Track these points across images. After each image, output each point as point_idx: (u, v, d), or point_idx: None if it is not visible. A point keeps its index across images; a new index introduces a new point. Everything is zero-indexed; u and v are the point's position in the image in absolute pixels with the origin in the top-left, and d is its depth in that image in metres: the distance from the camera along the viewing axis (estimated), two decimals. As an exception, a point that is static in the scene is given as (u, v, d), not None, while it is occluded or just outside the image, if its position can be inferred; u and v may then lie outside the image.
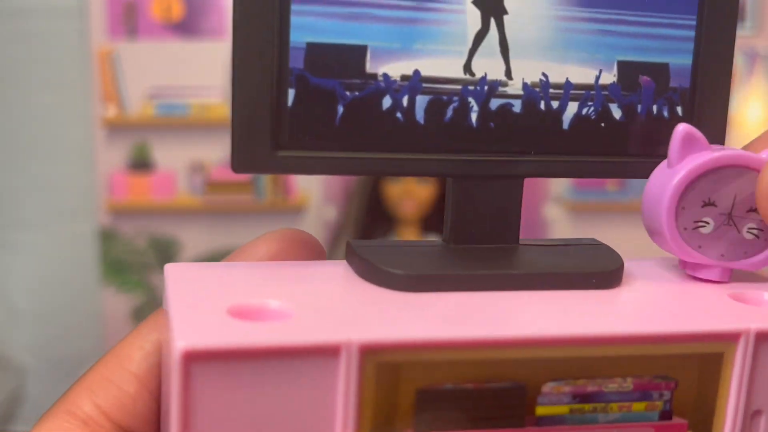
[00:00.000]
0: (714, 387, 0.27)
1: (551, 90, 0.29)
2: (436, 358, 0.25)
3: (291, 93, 0.28)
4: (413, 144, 0.29)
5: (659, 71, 0.30)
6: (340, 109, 0.28)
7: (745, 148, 0.30)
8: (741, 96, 2.52)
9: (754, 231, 0.29)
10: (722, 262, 0.29)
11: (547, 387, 0.26)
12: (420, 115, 0.29)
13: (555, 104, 0.30)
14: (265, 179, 2.42)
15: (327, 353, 0.24)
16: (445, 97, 0.29)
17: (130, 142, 2.24)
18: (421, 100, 0.29)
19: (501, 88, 0.29)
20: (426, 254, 0.30)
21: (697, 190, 0.29)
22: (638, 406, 0.27)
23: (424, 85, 0.28)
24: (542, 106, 0.29)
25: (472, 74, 0.29)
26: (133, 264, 2.19)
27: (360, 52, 0.28)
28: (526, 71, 0.29)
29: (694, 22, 0.30)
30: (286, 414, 0.24)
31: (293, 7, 0.27)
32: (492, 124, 0.29)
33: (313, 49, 0.28)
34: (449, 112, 0.29)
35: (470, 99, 0.29)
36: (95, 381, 0.28)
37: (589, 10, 0.29)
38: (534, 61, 0.29)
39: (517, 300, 0.28)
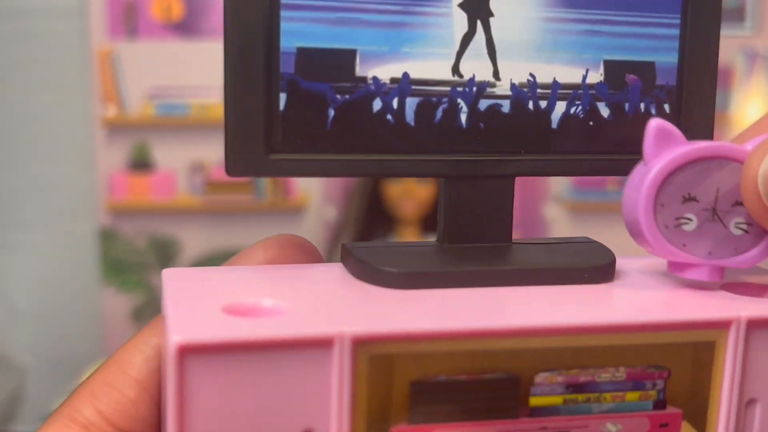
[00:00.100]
0: (707, 376, 0.27)
1: (539, 90, 0.30)
2: (429, 350, 0.25)
3: (282, 97, 0.28)
4: (404, 145, 0.29)
5: (646, 70, 0.31)
6: (331, 113, 0.28)
7: (734, 140, 0.29)
8: (741, 96, 2.52)
9: (743, 226, 0.28)
10: (711, 260, 0.28)
11: (540, 377, 0.26)
12: (410, 116, 0.29)
13: (543, 104, 0.30)
14: (265, 179, 2.42)
15: (320, 345, 0.24)
16: (434, 99, 0.29)
17: (130, 142, 2.23)
18: (411, 102, 0.29)
19: (489, 89, 0.29)
20: (420, 253, 0.30)
21: (675, 185, 0.28)
22: (632, 396, 0.27)
23: (414, 87, 0.29)
24: (530, 106, 0.30)
25: (461, 76, 0.29)
26: (133, 264, 2.19)
27: (349, 56, 0.28)
28: (514, 72, 0.30)
29: (678, 21, 0.31)
30: (280, 407, 0.24)
31: (283, 13, 0.28)
32: (481, 125, 0.30)
33: (303, 53, 0.28)
34: (439, 114, 0.29)
35: (459, 100, 0.29)
36: (96, 386, 0.28)
37: (575, 11, 0.30)
38: (521, 62, 0.30)
39: (510, 294, 0.28)
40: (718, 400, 0.27)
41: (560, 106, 0.30)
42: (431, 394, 0.25)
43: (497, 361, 0.26)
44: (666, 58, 0.31)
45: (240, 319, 0.24)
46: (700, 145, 0.27)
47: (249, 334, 0.23)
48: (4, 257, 2.25)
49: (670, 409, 0.27)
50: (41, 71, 2.18)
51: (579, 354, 0.26)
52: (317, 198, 2.39)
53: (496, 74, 0.29)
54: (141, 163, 2.35)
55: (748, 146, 0.27)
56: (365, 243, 0.31)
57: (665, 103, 0.31)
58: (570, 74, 0.30)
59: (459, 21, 0.29)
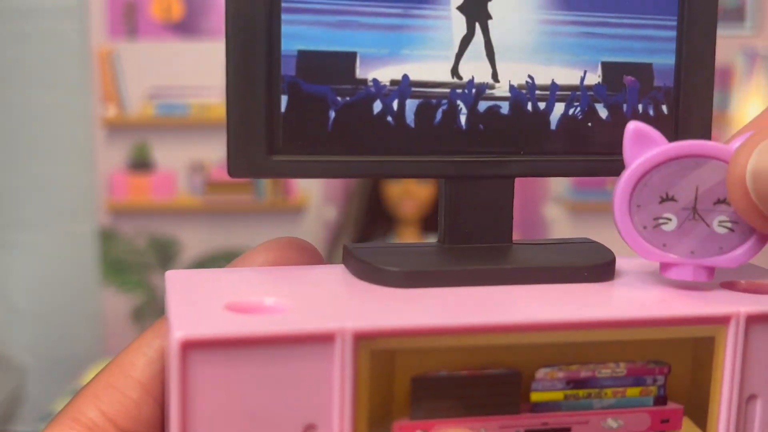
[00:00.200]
0: (708, 371, 0.27)
1: (538, 91, 0.30)
2: (430, 345, 0.25)
3: (284, 99, 0.28)
4: (404, 147, 0.29)
5: (643, 71, 0.31)
6: (332, 114, 0.29)
7: (728, 140, 0.29)
8: (741, 96, 2.52)
9: (728, 224, 0.28)
10: (694, 259, 0.28)
11: (541, 373, 0.26)
12: (410, 118, 0.29)
13: (542, 105, 0.30)
14: (266, 180, 2.42)
15: (322, 341, 0.24)
16: (434, 101, 0.29)
17: (130, 142, 2.24)
18: (411, 104, 0.29)
19: (488, 91, 0.30)
20: (421, 253, 0.30)
21: (651, 186, 0.28)
22: (632, 392, 0.27)
23: (413, 89, 0.29)
24: (529, 107, 0.30)
25: (460, 78, 0.29)
26: (133, 264, 2.20)
27: (350, 58, 0.29)
28: (513, 74, 0.30)
29: (675, 23, 0.31)
30: (283, 401, 0.24)
31: (284, 16, 0.28)
32: (481, 126, 0.30)
33: (304, 56, 0.28)
34: (439, 115, 0.30)
35: (459, 102, 0.30)
36: (100, 388, 0.28)
37: (573, 13, 0.30)
38: (520, 64, 0.30)
39: (510, 292, 0.28)
40: (719, 396, 0.27)
41: (559, 108, 0.30)
42: (432, 389, 0.26)
43: (498, 357, 0.26)
44: (663, 59, 0.31)
45: (242, 315, 0.25)
46: (673, 145, 0.27)
47: (251, 329, 0.24)
48: (4, 257, 2.25)
49: (671, 405, 0.27)
50: (41, 71, 2.18)
51: (579, 350, 0.26)
52: (317, 198, 2.39)
53: (494, 76, 0.30)
54: (141, 163, 2.35)
55: (733, 144, 0.27)
56: (366, 244, 0.31)
57: (663, 104, 0.31)
58: (568, 76, 0.30)
59: (458, 23, 0.29)
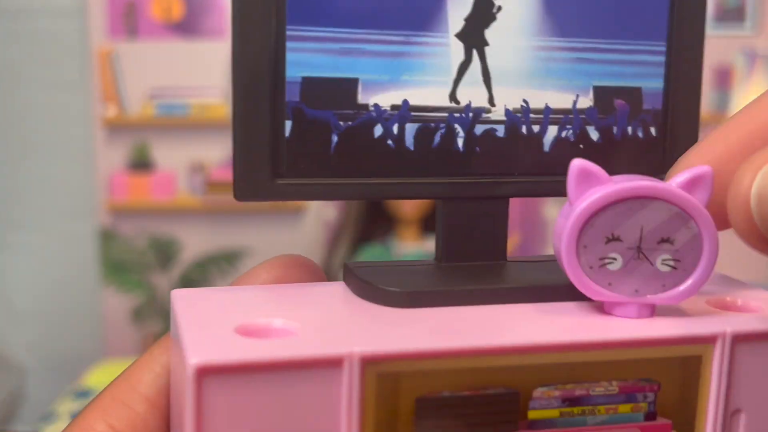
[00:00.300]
0: (695, 388, 0.28)
1: (532, 115, 0.31)
2: (433, 367, 0.26)
3: (288, 124, 0.29)
4: (404, 169, 0.30)
5: (633, 95, 0.32)
6: (335, 138, 0.30)
7: (673, 168, 0.29)
8: (741, 96, 2.53)
9: (670, 262, 0.28)
10: (637, 298, 0.28)
11: (538, 392, 0.27)
12: (410, 141, 0.30)
13: (536, 128, 0.31)
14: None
15: (330, 365, 0.25)
16: (432, 125, 0.30)
17: (130, 142, 2.24)
18: (411, 128, 0.30)
19: (485, 115, 0.31)
20: (420, 272, 0.31)
21: (597, 227, 0.28)
22: (624, 408, 0.28)
23: (413, 113, 0.30)
24: (524, 130, 0.31)
25: (458, 102, 0.30)
26: (133, 264, 2.20)
27: (352, 84, 0.30)
28: (508, 98, 0.31)
29: (664, 48, 0.32)
30: (293, 423, 0.25)
31: (289, 44, 0.29)
32: (478, 149, 0.31)
33: (308, 82, 0.29)
34: (437, 138, 0.30)
35: (456, 125, 0.31)
36: (107, 402, 0.29)
37: (566, 40, 0.31)
38: (515, 89, 0.31)
39: (507, 312, 0.29)
40: (705, 411, 0.28)
41: (552, 130, 0.31)
42: (435, 409, 0.26)
43: (497, 377, 0.27)
44: (652, 83, 0.32)
45: (253, 340, 0.26)
46: (621, 187, 0.28)
47: (263, 355, 0.24)
48: (4, 257, 2.25)
49: (660, 420, 0.28)
50: (41, 71, 2.19)
51: (574, 369, 0.27)
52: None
53: (491, 100, 0.31)
54: (141, 163, 2.36)
55: (674, 181, 0.28)
56: (366, 262, 0.32)
57: (651, 126, 0.32)
58: (561, 100, 0.31)
59: (456, 50, 0.30)
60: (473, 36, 0.30)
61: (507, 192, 0.32)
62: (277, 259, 0.32)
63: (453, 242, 0.32)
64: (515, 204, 1.90)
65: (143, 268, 2.19)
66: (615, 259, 0.28)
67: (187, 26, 2.15)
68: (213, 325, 0.27)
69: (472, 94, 0.31)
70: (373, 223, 1.96)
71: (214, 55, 2.07)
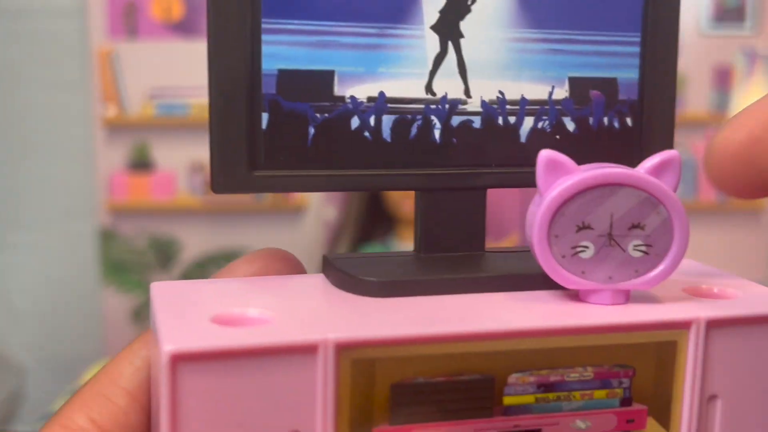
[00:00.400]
0: (670, 373, 0.28)
1: (508, 106, 0.31)
2: (408, 353, 0.26)
3: (265, 117, 0.30)
4: (381, 161, 0.31)
5: (608, 85, 0.32)
6: (312, 131, 0.30)
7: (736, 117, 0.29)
8: (741, 96, 2.53)
9: (642, 248, 0.29)
10: (610, 284, 0.29)
11: (513, 378, 0.27)
12: (386, 133, 0.31)
13: (512, 119, 0.32)
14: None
15: (305, 352, 0.25)
16: (409, 116, 0.31)
17: (130, 142, 2.24)
18: (387, 120, 0.30)
19: (461, 106, 0.31)
20: (398, 263, 0.32)
21: (568, 216, 0.28)
22: (599, 394, 0.28)
23: (389, 105, 0.30)
24: (500, 121, 0.31)
25: (434, 94, 0.31)
26: (133, 264, 2.20)
27: (328, 76, 0.30)
28: (484, 90, 0.31)
29: (638, 39, 0.32)
30: (269, 410, 0.25)
31: (264, 37, 0.29)
32: (454, 140, 0.31)
33: (284, 75, 0.29)
34: (414, 130, 0.31)
35: (433, 117, 0.31)
36: (88, 396, 0.29)
37: (540, 31, 0.31)
38: (491, 80, 0.31)
39: (483, 300, 0.29)
40: (681, 397, 0.28)
41: (528, 121, 0.32)
42: (411, 395, 0.27)
43: (473, 363, 0.27)
44: (627, 74, 0.33)
45: (228, 328, 0.26)
46: (589, 175, 0.28)
47: (237, 342, 0.25)
48: (4, 257, 2.25)
49: (636, 406, 0.29)
50: (41, 71, 2.19)
51: (549, 355, 0.27)
52: (317, 198, 2.39)
53: (467, 92, 0.31)
54: (141, 163, 2.36)
55: (641, 168, 0.28)
56: (345, 254, 0.32)
57: (627, 116, 0.33)
58: (537, 91, 0.32)
59: (431, 42, 0.30)
60: (448, 28, 0.31)
61: (484, 183, 0.32)
62: (258, 252, 0.32)
63: (431, 233, 0.32)
64: (515, 203, 1.90)
65: (143, 268, 2.19)
66: (587, 247, 0.28)
67: (187, 26, 2.16)
68: (189, 315, 0.27)
69: (449, 85, 0.31)
70: (373, 222, 1.95)
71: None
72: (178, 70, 2.13)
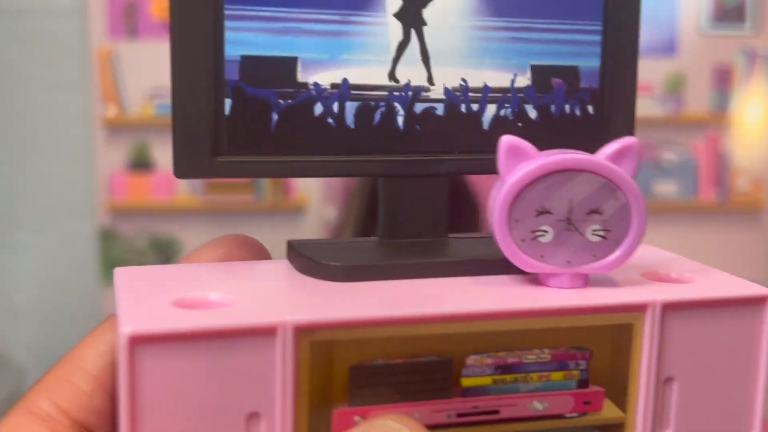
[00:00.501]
0: (627, 356, 0.29)
1: (471, 94, 0.32)
2: (367, 336, 0.27)
3: (228, 103, 0.30)
4: (345, 147, 0.31)
5: (570, 74, 0.33)
6: (275, 117, 0.30)
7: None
8: (741, 96, 2.53)
9: (600, 233, 0.29)
10: (569, 268, 0.29)
11: (471, 359, 0.28)
12: (350, 120, 0.31)
13: (475, 107, 0.32)
14: (266, 180, 2.43)
15: (264, 334, 0.25)
16: (372, 103, 0.31)
17: (130, 142, 2.24)
18: (351, 106, 0.31)
19: (424, 94, 0.31)
20: (361, 249, 0.32)
21: (528, 201, 0.29)
22: (557, 376, 0.29)
23: (353, 92, 0.31)
24: (463, 108, 0.32)
25: (397, 81, 0.31)
26: (133, 264, 2.20)
27: (291, 63, 0.30)
28: (447, 77, 0.31)
29: (600, 28, 0.33)
30: (228, 392, 0.25)
31: (227, 23, 0.29)
32: (417, 127, 0.31)
33: (247, 61, 0.30)
34: (377, 117, 0.31)
35: (396, 104, 0.31)
36: (53, 381, 0.29)
37: (503, 20, 0.31)
38: (453, 68, 0.31)
39: (443, 284, 0.30)
40: (637, 379, 0.29)
41: (491, 109, 0.32)
42: (369, 377, 0.27)
43: (431, 345, 0.27)
44: (589, 62, 0.33)
45: (188, 311, 0.26)
46: (548, 161, 0.28)
47: (196, 324, 0.25)
48: (4, 257, 2.26)
49: (593, 388, 0.29)
50: (41, 71, 2.19)
51: (507, 337, 0.28)
52: (317, 198, 2.39)
53: (430, 79, 0.31)
54: (141, 163, 2.36)
55: (600, 154, 0.29)
56: (310, 240, 0.32)
57: (589, 104, 0.33)
58: (499, 79, 0.32)
59: (394, 30, 0.31)
60: (411, 16, 0.31)
61: (447, 169, 0.32)
62: (222, 238, 0.32)
63: (394, 219, 0.32)
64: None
65: (142, 268, 2.19)
66: (546, 231, 0.29)
67: (187, 27, 2.16)
68: (150, 298, 0.27)
69: (412, 73, 0.31)
70: (373, 222, 1.95)
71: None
72: (178, 70, 2.13)
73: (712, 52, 2.54)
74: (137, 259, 2.19)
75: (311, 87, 0.30)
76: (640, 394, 0.29)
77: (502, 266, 0.30)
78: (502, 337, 0.28)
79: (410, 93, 0.31)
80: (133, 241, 2.23)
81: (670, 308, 0.29)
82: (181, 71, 0.29)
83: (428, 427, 0.26)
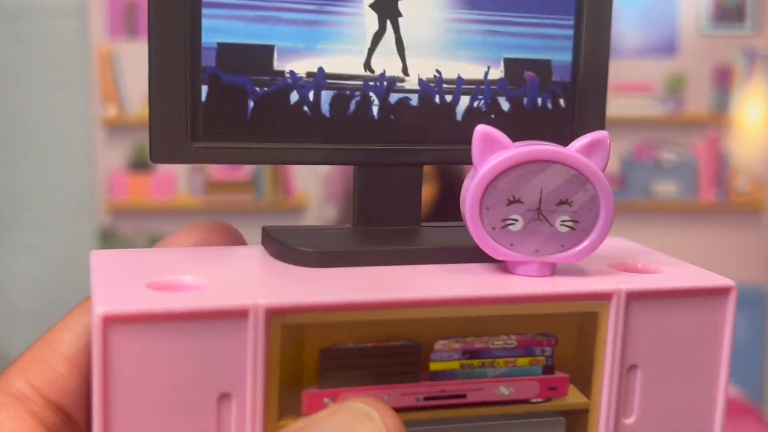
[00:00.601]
0: (591, 343, 0.29)
1: (445, 85, 0.32)
2: (337, 319, 0.27)
3: (204, 89, 0.30)
4: (320, 135, 0.31)
5: (542, 67, 0.33)
6: (251, 104, 0.31)
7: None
8: (741, 96, 2.53)
9: (568, 223, 0.30)
10: (537, 257, 0.30)
11: (439, 344, 0.28)
12: (325, 108, 0.31)
13: (449, 98, 0.32)
14: (266, 180, 2.43)
15: (236, 316, 0.26)
16: (348, 92, 0.31)
17: (130, 142, 2.24)
18: (326, 95, 0.31)
19: (399, 84, 0.32)
20: (335, 236, 0.32)
21: (500, 189, 0.29)
22: (523, 362, 0.29)
23: (328, 81, 0.31)
24: (437, 99, 0.32)
25: (372, 71, 0.31)
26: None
27: (268, 51, 0.30)
28: (422, 68, 0.32)
29: (572, 22, 0.33)
30: (200, 373, 0.26)
31: (204, 10, 0.30)
32: (392, 117, 0.32)
33: (224, 48, 0.30)
34: (352, 106, 0.31)
35: (371, 94, 0.31)
36: (28, 362, 0.29)
37: (477, 13, 0.32)
38: (428, 59, 0.32)
39: (414, 271, 0.30)
40: (602, 366, 0.29)
41: (464, 100, 0.33)
42: (340, 360, 0.27)
43: (400, 330, 0.28)
44: (561, 56, 0.33)
45: (161, 293, 0.26)
46: (521, 151, 0.29)
47: (169, 306, 0.25)
48: (4, 257, 2.26)
49: (558, 374, 0.30)
50: (42, 71, 2.20)
51: (475, 323, 0.28)
52: (317, 198, 2.40)
53: (405, 70, 0.32)
54: (141, 163, 2.37)
55: (572, 147, 0.29)
56: (284, 226, 0.33)
57: (560, 97, 0.33)
58: (473, 71, 0.32)
59: (370, 20, 0.31)
60: (387, 7, 0.31)
61: (421, 159, 0.33)
62: (198, 224, 0.33)
63: (368, 207, 0.33)
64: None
65: (142, 268, 2.19)
66: (516, 220, 0.29)
67: (188, 27, 2.16)
68: (125, 280, 0.28)
69: (387, 63, 0.32)
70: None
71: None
72: (178, 70, 2.14)
73: (712, 52, 2.54)
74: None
75: (287, 75, 0.31)
76: (605, 381, 0.29)
77: (472, 254, 0.31)
78: (470, 323, 0.28)
79: (385, 83, 0.32)
80: (133, 241, 2.24)
81: (634, 297, 0.29)
82: (158, 57, 0.30)
83: (397, 409, 0.26)
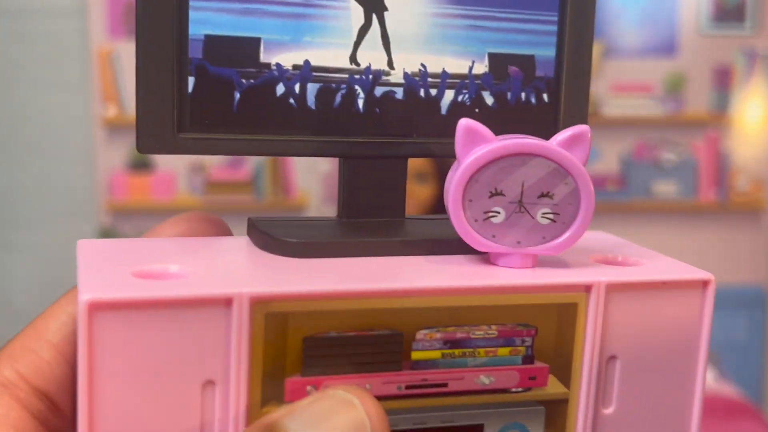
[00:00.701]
0: (571, 334, 0.30)
1: (429, 79, 0.32)
2: (320, 308, 0.27)
3: (191, 81, 0.31)
4: (305, 127, 0.32)
5: (526, 62, 0.34)
6: (237, 96, 0.31)
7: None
8: (741, 96, 2.54)
9: (549, 216, 0.30)
10: (519, 249, 0.30)
11: (421, 334, 0.29)
12: (311, 101, 0.32)
13: (433, 92, 0.33)
14: (266, 180, 2.44)
15: (220, 304, 0.26)
16: (333, 85, 0.32)
17: (130, 142, 2.24)
18: (312, 88, 0.31)
19: (384, 77, 0.32)
20: (320, 227, 0.33)
21: (482, 182, 0.30)
22: (503, 351, 0.29)
23: (314, 74, 0.31)
24: (422, 93, 0.32)
25: (358, 64, 0.32)
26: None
27: (254, 43, 0.31)
28: (407, 62, 0.32)
29: (556, 18, 0.34)
30: (184, 360, 0.26)
31: (192, 2, 0.30)
32: (377, 110, 0.32)
33: (210, 40, 0.30)
34: (338, 99, 0.32)
35: (357, 87, 0.32)
36: (15, 349, 0.30)
37: (462, 7, 0.32)
38: (413, 53, 0.32)
39: (398, 262, 0.31)
40: (581, 356, 0.30)
41: (449, 94, 0.33)
42: (322, 348, 0.28)
43: (383, 319, 0.28)
44: (545, 51, 0.34)
45: (147, 281, 0.27)
46: (503, 144, 0.29)
47: (154, 293, 0.26)
48: (4, 257, 2.27)
49: (538, 364, 0.30)
50: (41, 71, 2.20)
51: (456, 313, 0.29)
52: (317, 198, 2.40)
53: (390, 64, 0.32)
54: (141, 163, 2.37)
55: (553, 141, 0.30)
56: (269, 216, 0.33)
57: (544, 93, 0.34)
58: (458, 65, 0.33)
59: (356, 14, 0.31)
60: (373, 1, 0.32)
61: (405, 152, 0.33)
62: (184, 215, 0.33)
63: (353, 199, 0.33)
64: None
65: (141, 267, 2.19)
66: (498, 212, 0.30)
67: (188, 27, 2.16)
68: (111, 269, 0.28)
69: (372, 57, 0.32)
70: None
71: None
72: (178, 70, 2.14)
73: (712, 52, 2.55)
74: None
75: (273, 67, 0.31)
76: (584, 371, 0.30)
77: (454, 246, 0.31)
78: (451, 313, 0.29)
79: (370, 76, 0.32)
80: (132, 241, 2.23)
81: (613, 289, 0.29)
82: (145, 48, 0.30)
83: (379, 398, 0.26)
